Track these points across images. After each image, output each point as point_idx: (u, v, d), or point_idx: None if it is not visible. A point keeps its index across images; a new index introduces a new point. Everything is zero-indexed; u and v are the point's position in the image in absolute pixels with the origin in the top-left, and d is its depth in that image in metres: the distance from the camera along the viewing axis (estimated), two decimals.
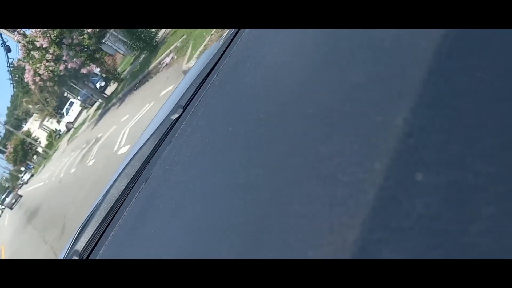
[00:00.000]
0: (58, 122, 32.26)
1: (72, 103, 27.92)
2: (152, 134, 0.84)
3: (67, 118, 28.47)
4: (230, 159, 0.54)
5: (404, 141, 0.31)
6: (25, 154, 31.77)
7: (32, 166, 33.95)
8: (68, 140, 24.63)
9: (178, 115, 0.82)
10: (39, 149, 33.05)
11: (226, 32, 1.01)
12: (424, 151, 0.29)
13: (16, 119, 43.45)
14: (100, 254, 0.71)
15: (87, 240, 0.76)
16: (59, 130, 32.76)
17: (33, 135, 34.54)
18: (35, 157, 33.32)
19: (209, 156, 0.60)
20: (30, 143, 31.77)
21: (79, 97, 24.64)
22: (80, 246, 0.77)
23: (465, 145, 0.27)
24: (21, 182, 32.70)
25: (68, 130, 27.80)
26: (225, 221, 0.45)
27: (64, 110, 29.54)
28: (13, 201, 25.55)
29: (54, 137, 34.47)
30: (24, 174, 33.53)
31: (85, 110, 26.16)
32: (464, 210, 0.25)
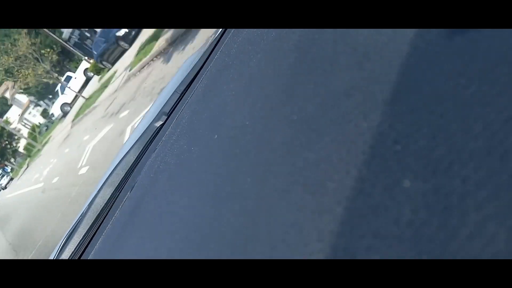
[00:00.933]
0: (45, 114, 24.34)
1: (69, 77, 20.27)
2: (136, 142, 0.83)
3: (62, 99, 20.73)
4: (216, 167, 0.53)
5: (390, 148, 0.31)
6: (2, 152, 26.07)
7: (9, 170, 28.18)
8: (73, 121, 16.89)
9: (162, 122, 0.82)
10: (22, 143, 26.49)
11: (210, 37, 1.00)
12: (411, 157, 0.29)
13: None
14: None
15: (71, 251, 0.75)
16: (52, 114, 24.01)
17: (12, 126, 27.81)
18: (13, 159, 27.56)
19: (195, 164, 0.60)
20: (10, 133, 25.05)
21: (92, 50, 15.24)
22: (65, 256, 0.77)
23: (452, 150, 0.27)
24: None
25: (64, 114, 20.54)
26: (212, 229, 0.45)
27: (58, 88, 21.27)
28: None
29: (38, 131, 27.46)
30: (1, 177, 28.20)
31: (97, 77, 17.07)
32: (452, 215, 0.25)
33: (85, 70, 19.06)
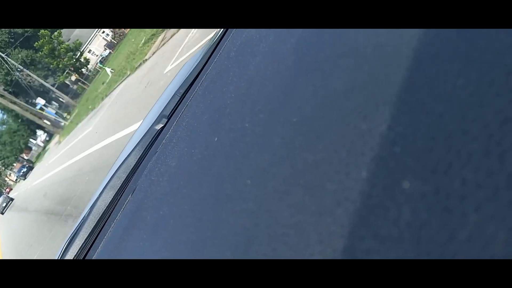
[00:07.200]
0: None
1: None
2: (137, 145, 0.83)
3: None
4: (216, 169, 0.53)
5: (390, 149, 0.31)
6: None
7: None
8: None
9: (162, 125, 0.83)
10: None
11: (207, 40, 1.01)
12: (410, 159, 0.29)
13: None
14: None
15: (75, 253, 0.76)
16: None
17: None
18: None
19: (195, 166, 0.60)
20: None
21: None
22: (69, 257, 0.77)
23: (451, 151, 0.27)
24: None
25: None
26: (213, 231, 0.45)
27: None
28: (4, 204, 22.76)
29: None
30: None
31: None
32: (452, 216, 0.25)
33: None
